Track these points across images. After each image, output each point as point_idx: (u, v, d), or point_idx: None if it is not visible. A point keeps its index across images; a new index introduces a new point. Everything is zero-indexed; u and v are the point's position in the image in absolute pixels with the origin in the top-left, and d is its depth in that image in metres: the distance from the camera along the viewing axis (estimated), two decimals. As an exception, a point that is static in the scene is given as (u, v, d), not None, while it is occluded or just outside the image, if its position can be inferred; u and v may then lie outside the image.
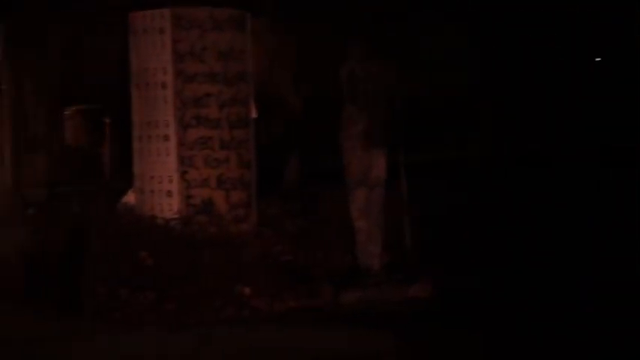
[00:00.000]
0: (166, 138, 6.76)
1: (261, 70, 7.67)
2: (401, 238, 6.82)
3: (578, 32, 14.26)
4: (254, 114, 7.06)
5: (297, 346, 5.15)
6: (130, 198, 7.46)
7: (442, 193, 8.83)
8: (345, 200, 6.69)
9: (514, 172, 11.33)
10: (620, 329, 5.20)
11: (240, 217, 6.82)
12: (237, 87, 6.89)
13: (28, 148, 13.70)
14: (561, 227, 8.19)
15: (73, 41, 11.42)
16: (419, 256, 6.76)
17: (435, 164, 11.12)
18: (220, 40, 6.82)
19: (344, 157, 6.64)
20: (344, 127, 6.64)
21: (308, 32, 8.15)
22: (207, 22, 6.78)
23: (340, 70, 6.66)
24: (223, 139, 6.80)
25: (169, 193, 6.74)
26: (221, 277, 5.99)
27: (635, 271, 6.57)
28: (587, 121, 14.18)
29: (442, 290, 6.26)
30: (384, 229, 6.67)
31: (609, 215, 8.57)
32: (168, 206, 6.72)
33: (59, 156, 11.45)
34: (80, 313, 5.81)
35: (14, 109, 13.61)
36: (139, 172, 7.07)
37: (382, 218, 6.66)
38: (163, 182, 6.78)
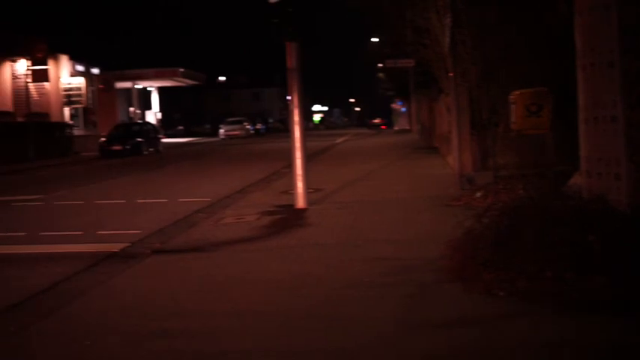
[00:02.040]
0: (614, 119, 6.52)
1: None
2: None
3: None
4: None
5: None
6: (577, 180, 7.36)
7: None
8: None
9: None
10: None
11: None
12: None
13: (474, 132, 14.21)
14: None
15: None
16: None
17: None
18: (674, 12, 6.39)
19: None
20: None
21: None
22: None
23: None
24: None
25: (617, 176, 6.49)
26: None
27: None
28: None
29: None
30: None
31: None
32: (617, 189, 6.48)
33: (504, 139, 11.67)
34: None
35: (462, 95, 14.19)
36: (585, 155, 6.94)
37: None
38: (611, 165, 6.56)
